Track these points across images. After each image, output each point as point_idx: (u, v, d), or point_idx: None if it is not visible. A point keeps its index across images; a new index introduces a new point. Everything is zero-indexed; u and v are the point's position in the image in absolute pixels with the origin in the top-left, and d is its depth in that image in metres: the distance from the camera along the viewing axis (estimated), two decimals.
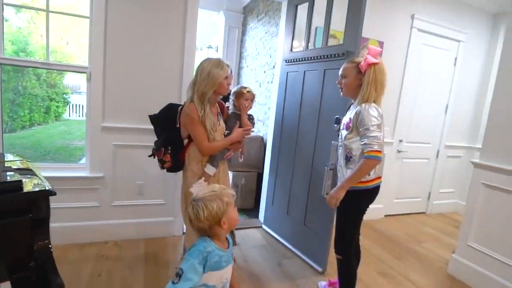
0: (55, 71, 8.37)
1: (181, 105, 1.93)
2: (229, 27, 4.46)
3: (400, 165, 3.73)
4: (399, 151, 3.66)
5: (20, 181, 0.96)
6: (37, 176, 1.04)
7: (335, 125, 2.12)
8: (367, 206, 1.82)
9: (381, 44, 3.25)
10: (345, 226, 1.82)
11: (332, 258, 2.52)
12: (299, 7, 2.68)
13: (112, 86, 2.41)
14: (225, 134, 1.99)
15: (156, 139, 2.04)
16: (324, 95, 2.37)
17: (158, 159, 1.97)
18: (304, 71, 2.57)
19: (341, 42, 3.04)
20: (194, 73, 1.85)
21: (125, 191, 2.57)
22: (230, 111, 2.13)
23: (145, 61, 2.46)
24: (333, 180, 2.07)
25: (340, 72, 1.80)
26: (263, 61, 3.96)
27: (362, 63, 1.71)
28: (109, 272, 2.15)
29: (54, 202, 2.32)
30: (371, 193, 1.77)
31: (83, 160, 2.66)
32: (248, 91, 2.04)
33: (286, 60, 2.79)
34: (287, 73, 2.79)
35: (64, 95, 9.16)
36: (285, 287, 2.19)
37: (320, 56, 2.38)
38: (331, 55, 2.28)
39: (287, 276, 2.33)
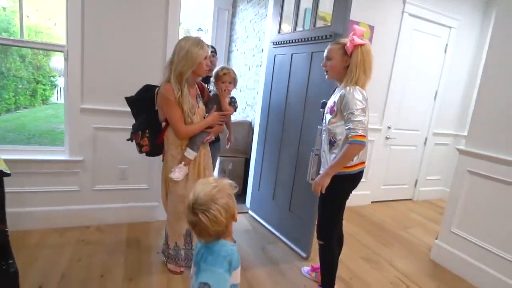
0: (40, 52, 8.10)
1: (158, 86, 1.85)
2: (219, 9, 4.32)
3: (388, 152, 3.72)
4: (387, 138, 3.64)
5: None
6: None
7: (321, 110, 2.08)
8: (350, 192, 1.80)
9: (371, 28, 3.17)
10: (328, 212, 1.80)
11: (316, 243, 2.52)
12: None
13: (91, 66, 2.31)
14: (205, 117, 1.93)
15: (129, 121, 1.97)
16: (311, 78, 2.31)
17: (136, 143, 1.91)
18: (292, 54, 2.49)
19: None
20: (172, 51, 1.77)
21: (107, 176, 2.50)
22: (212, 93, 2.07)
23: (126, 40, 2.35)
24: (318, 166, 2.04)
25: (325, 53, 1.74)
26: (252, 44, 3.85)
27: (348, 44, 1.65)
28: (89, 257, 2.11)
29: (32, 186, 2.29)
30: (354, 179, 1.74)
31: None
32: (224, 73, 1.94)
33: (273, 42, 2.71)
34: (275, 55, 2.71)
35: (52, 77, 8.89)
36: (268, 271, 2.19)
37: (308, 38, 2.31)
38: (318, 37, 2.20)
39: (270, 261, 2.33)
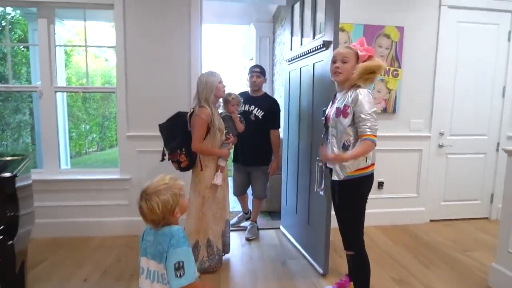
0: None
1: (187, 112, 2.26)
2: (260, 38, 4.67)
3: (445, 162, 3.26)
4: (441, 146, 3.21)
5: None
6: (17, 166, 1.38)
7: (322, 118, 2.07)
8: (368, 194, 1.75)
9: (400, 29, 2.98)
10: (352, 218, 1.76)
11: (336, 259, 2.40)
12: (294, 6, 2.71)
13: (133, 101, 2.85)
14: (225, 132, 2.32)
15: (163, 144, 2.31)
16: (315, 88, 2.32)
17: (173, 161, 2.26)
18: (300, 68, 2.56)
19: (351, 34, 2.95)
20: (196, 86, 2.21)
21: None
22: (222, 115, 2.38)
23: (158, 81, 2.84)
24: (323, 175, 2.01)
25: (340, 56, 1.72)
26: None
27: (362, 54, 1.70)
28: (127, 260, 2.48)
29: (92, 201, 2.85)
30: (370, 180, 1.73)
31: None
32: (232, 98, 2.37)
33: (287, 60, 2.82)
34: (289, 72, 2.81)
35: None
36: (281, 285, 2.16)
37: (309, 50, 2.36)
38: (316, 47, 2.24)
39: (286, 275, 2.30)
